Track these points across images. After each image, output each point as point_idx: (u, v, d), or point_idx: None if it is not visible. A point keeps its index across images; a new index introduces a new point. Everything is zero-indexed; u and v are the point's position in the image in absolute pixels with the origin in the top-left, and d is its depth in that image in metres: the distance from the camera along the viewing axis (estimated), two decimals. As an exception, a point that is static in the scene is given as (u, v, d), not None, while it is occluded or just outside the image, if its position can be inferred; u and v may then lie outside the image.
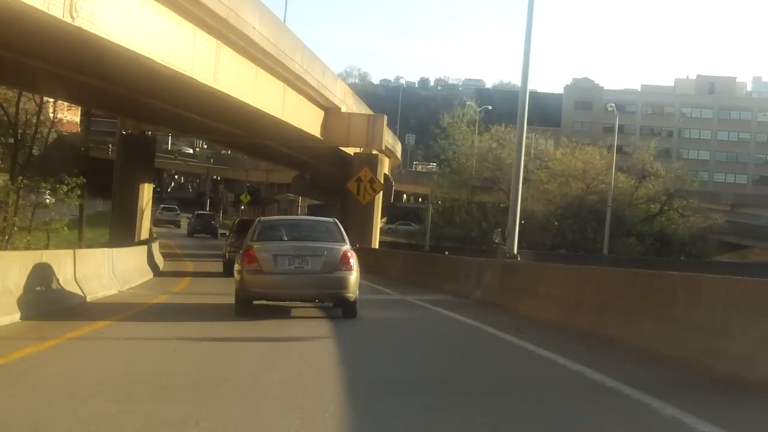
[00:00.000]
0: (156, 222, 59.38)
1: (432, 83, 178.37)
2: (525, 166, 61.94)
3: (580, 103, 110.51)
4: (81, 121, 57.41)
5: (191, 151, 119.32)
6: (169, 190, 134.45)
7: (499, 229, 52.52)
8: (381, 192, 36.08)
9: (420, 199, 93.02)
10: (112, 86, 24.97)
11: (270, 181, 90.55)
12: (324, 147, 38.65)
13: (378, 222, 38.01)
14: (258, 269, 12.77)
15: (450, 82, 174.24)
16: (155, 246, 28.49)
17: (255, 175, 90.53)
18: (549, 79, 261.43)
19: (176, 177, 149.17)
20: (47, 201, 36.34)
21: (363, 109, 40.76)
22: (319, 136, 34.58)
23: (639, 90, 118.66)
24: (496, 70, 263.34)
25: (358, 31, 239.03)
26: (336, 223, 14.38)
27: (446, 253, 40.91)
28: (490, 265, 19.63)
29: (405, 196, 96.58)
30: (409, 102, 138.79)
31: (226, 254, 24.28)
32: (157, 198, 66.15)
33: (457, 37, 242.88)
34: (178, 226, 68.49)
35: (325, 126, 35.16)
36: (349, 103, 37.34)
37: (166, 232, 58.95)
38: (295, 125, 30.85)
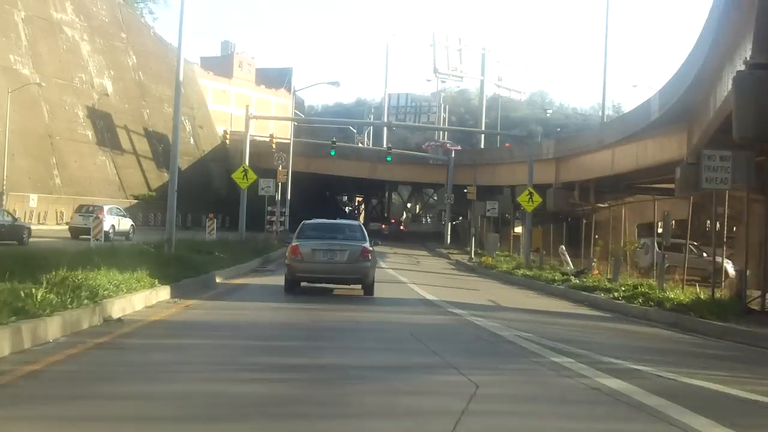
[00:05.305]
0: None
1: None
2: None
3: None
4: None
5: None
6: (404, 215, 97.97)
7: None
8: None
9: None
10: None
11: (564, 180, 46.83)
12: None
13: None
14: (301, 260, 18.44)
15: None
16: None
17: (527, 172, 48.81)
18: None
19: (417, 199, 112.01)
20: None
21: None
22: None
23: None
24: None
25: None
26: (360, 226, 20.77)
27: None
28: None
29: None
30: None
31: None
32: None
33: None
34: None
35: None
36: None
37: None
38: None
